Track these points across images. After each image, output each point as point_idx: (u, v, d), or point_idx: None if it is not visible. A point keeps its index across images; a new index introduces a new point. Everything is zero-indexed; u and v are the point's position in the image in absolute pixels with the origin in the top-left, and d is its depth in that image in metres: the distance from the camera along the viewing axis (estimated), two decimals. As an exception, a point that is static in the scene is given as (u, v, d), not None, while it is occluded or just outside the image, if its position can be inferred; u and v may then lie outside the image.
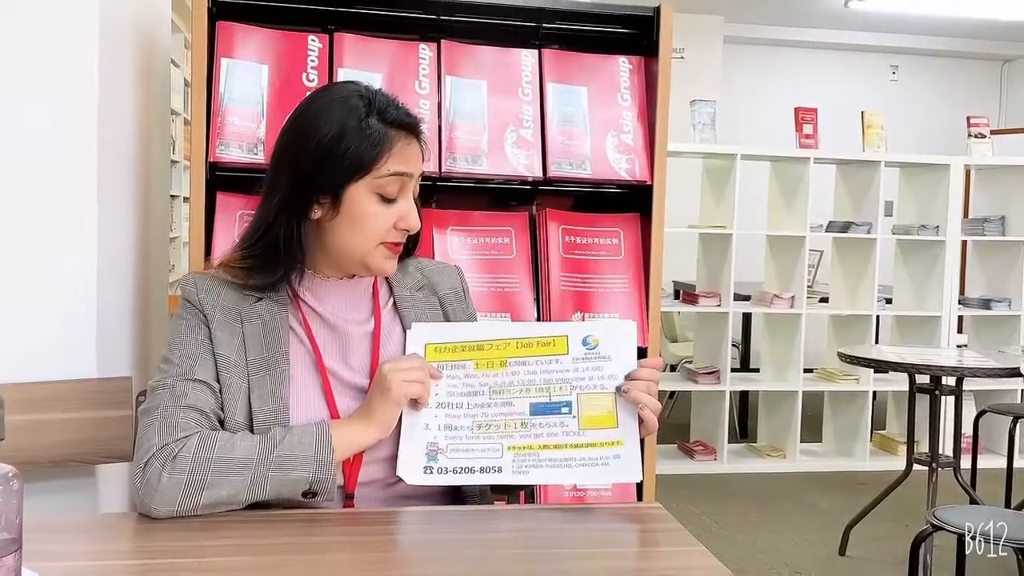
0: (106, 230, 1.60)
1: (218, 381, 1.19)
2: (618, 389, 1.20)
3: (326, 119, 1.19)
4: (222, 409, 1.18)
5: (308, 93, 1.27)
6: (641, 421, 1.20)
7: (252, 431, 1.17)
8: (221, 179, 1.81)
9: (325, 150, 1.18)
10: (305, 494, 1.14)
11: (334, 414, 1.20)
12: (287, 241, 1.19)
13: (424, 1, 1.95)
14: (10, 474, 0.75)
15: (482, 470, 1.18)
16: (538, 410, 1.20)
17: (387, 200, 1.21)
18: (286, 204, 1.20)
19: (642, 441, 1.20)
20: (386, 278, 1.33)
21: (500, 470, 1.18)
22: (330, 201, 1.20)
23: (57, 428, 1.50)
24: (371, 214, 1.20)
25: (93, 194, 1.56)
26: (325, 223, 1.21)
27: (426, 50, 1.95)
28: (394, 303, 1.32)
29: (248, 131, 1.80)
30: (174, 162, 5.26)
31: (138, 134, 1.84)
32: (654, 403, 1.20)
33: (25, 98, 1.52)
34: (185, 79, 5.41)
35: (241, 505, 1.12)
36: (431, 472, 1.18)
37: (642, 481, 1.19)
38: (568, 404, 1.20)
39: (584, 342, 1.22)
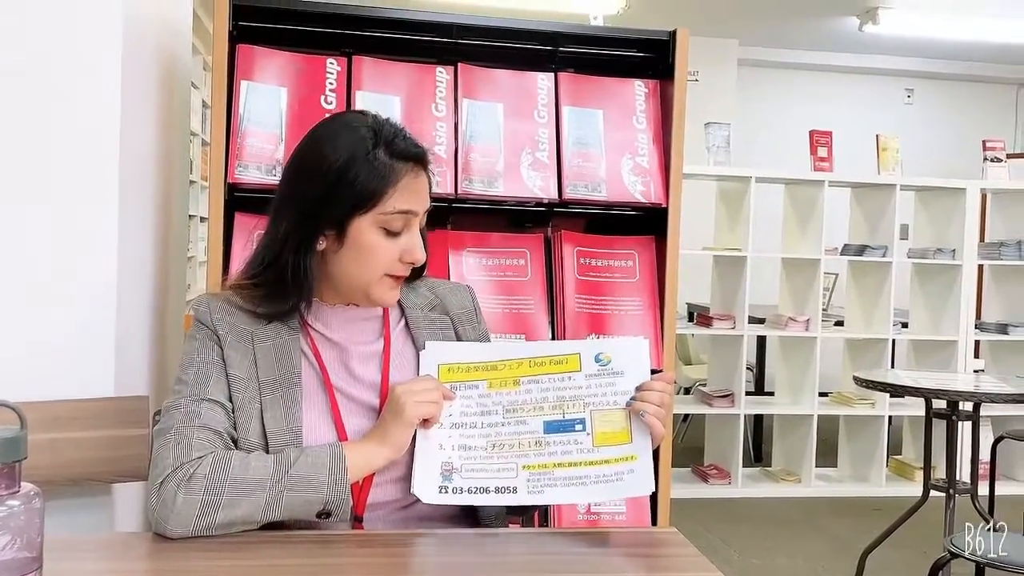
0: (125, 249, 1.62)
1: (231, 401, 1.19)
2: (631, 404, 1.19)
3: (333, 149, 1.20)
4: (235, 428, 1.19)
5: (315, 124, 1.28)
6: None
7: (266, 451, 1.17)
8: (239, 199, 1.83)
9: (332, 181, 1.19)
10: (319, 515, 1.14)
11: (342, 433, 1.21)
12: (295, 272, 1.20)
13: (441, 25, 1.97)
14: (32, 492, 0.76)
15: (497, 490, 1.17)
16: (552, 428, 1.20)
17: (392, 234, 1.22)
18: (293, 235, 1.21)
19: (655, 452, 1.20)
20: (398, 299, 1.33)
21: (515, 490, 1.17)
22: (335, 233, 1.21)
23: (74, 446, 1.50)
24: (376, 247, 1.21)
25: (113, 213, 1.57)
26: (330, 254, 1.23)
27: (443, 73, 1.97)
28: (406, 323, 1.32)
29: (267, 152, 1.82)
30: (192, 182, 5.30)
31: (158, 154, 1.86)
32: (659, 410, 1.18)
33: (47, 119, 1.54)
34: (204, 101, 5.46)
35: (256, 525, 1.12)
36: (446, 492, 1.17)
37: (656, 505, 1.19)
38: (582, 421, 1.20)
39: (596, 359, 1.22)
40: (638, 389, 1.20)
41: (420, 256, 1.24)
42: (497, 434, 1.20)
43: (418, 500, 1.22)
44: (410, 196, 1.21)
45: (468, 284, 1.45)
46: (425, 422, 1.19)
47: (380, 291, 1.24)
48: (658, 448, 1.22)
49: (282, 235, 1.21)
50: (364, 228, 1.20)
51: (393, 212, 1.20)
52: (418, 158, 1.23)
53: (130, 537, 1.32)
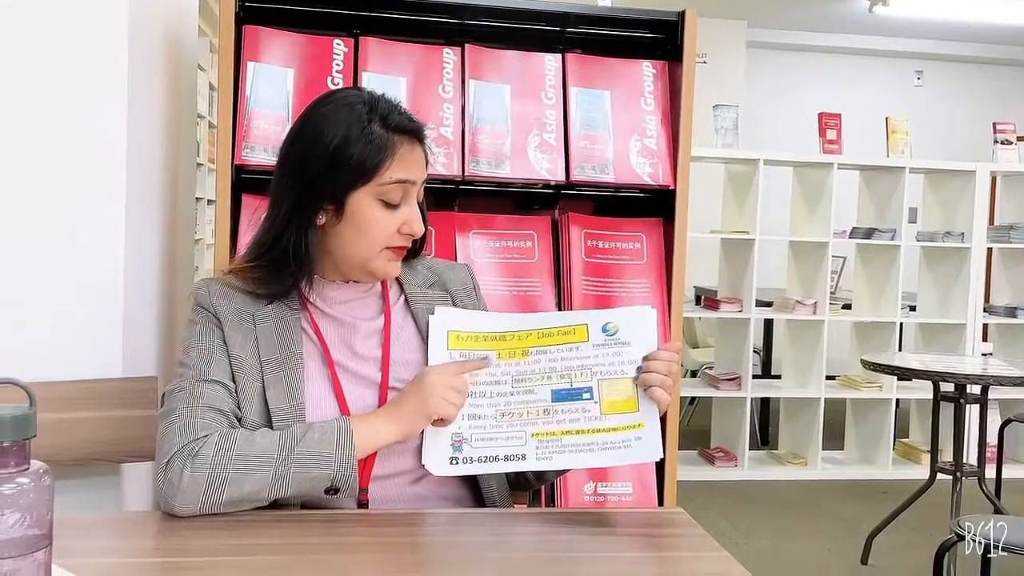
0: (133, 231, 1.62)
1: (234, 381, 1.20)
2: (638, 373, 1.20)
3: (330, 126, 1.20)
4: (239, 408, 1.19)
5: (311, 101, 1.27)
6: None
7: (270, 428, 1.18)
8: (246, 181, 1.83)
9: (329, 157, 1.19)
10: (327, 491, 1.14)
11: (344, 409, 1.21)
12: (296, 250, 1.21)
13: (449, 5, 1.96)
14: (41, 470, 0.76)
15: (506, 458, 1.19)
16: (560, 397, 1.21)
17: (390, 206, 1.22)
18: (294, 213, 1.21)
19: (661, 420, 1.21)
20: (396, 278, 1.33)
21: (524, 457, 1.19)
22: (334, 208, 1.21)
23: (83, 427, 1.51)
24: (374, 220, 1.21)
25: (121, 195, 1.57)
26: (329, 229, 1.23)
27: (450, 54, 1.96)
28: (405, 300, 1.33)
29: (274, 134, 1.81)
30: (198, 165, 5.30)
31: (166, 137, 1.86)
32: (664, 379, 1.19)
33: (57, 102, 1.54)
34: (210, 83, 5.45)
35: (264, 502, 1.13)
36: (457, 463, 1.19)
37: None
38: (589, 390, 1.21)
39: (604, 329, 1.23)
40: (645, 359, 1.21)
41: (419, 228, 1.25)
42: (506, 403, 1.21)
43: (423, 476, 1.23)
44: (406, 165, 1.22)
45: (467, 263, 1.45)
46: (440, 420, 1.19)
47: (380, 264, 1.24)
48: (665, 416, 1.22)
49: (283, 216, 1.22)
50: (362, 201, 1.21)
51: (390, 182, 1.20)
52: (414, 132, 1.23)
53: (139, 516, 1.32)
